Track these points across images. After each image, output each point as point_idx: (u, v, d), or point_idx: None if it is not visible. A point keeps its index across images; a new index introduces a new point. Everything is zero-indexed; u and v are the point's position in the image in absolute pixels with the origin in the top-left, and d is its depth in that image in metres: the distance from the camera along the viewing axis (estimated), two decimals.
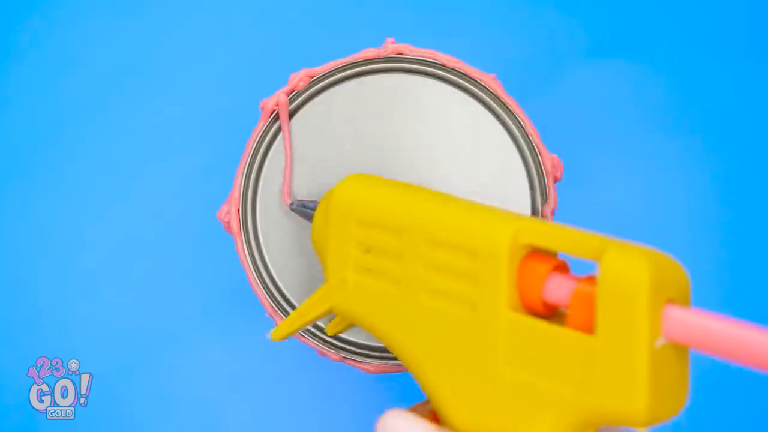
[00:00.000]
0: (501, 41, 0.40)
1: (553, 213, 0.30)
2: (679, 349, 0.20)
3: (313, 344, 0.30)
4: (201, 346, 0.39)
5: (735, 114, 0.40)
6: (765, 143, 0.40)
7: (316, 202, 0.28)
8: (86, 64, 0.41)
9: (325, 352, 0.30)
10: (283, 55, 0.40)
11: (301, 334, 0.30)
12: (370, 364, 0.30)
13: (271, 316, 0.30)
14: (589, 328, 0.20)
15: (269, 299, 0.30)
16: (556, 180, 0.30)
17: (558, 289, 0.20)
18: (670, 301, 0.19)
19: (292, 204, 0.29)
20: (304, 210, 0.28)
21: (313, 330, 0.30)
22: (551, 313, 0.21)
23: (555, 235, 0.20)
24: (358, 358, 0.30)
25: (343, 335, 0.30)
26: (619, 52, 0.41)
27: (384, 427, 0.22)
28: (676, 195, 0.39)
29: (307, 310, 0.26)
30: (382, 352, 0.30)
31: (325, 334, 0.30)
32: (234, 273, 0.37)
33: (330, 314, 0.26)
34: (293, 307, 0.30)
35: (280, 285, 0.30)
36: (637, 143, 0.40)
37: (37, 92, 0.40)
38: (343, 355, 0.30)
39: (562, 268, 0.21)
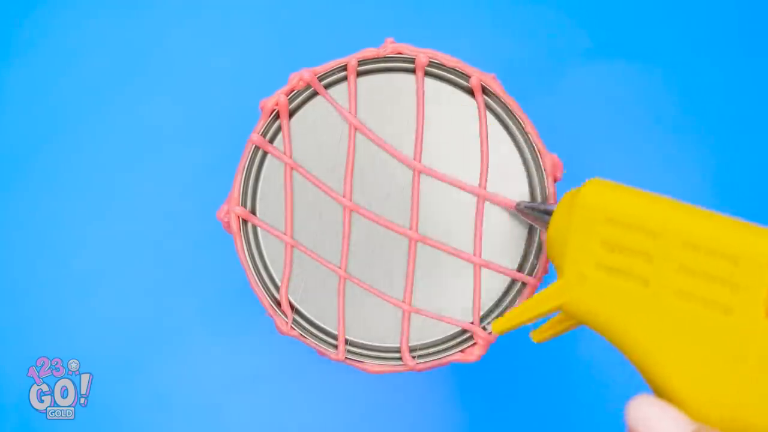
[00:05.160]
0: (501, 41, 0.40)
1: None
2: None
3: (312, 344, 0.30)
4: (201, 346, 0.39)
5: (736, 114, 0.40)
6: (766, 144, 0.40)
7: (552, 204, 0.28)
8: (85, 64, 0.41)
9: (325, 351, 0.29)
10: (283, 55, 0.40)
11: (301, 334, 0.30)
12: (370, 364, 0.29)
13: (271, 316, 0.30)
14: None
15: (269, 299, 0.30)
16: (556, 180, 0.30)
17: None
18: None
19: (518, 205, 0.29)
20: (532, 212, 0.28)
21: (313, 330, 0.30)
22: None
23: None
24: (358, 357, 0.30)
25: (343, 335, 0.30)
26: (620, 52, 0.40)
27: (636, 413, 0.22)
28: (677, 195, 0.39)
29: (535, 305, 0.26)
30: (382, 352, 0.30)
31: (326, 333, 0.30)
32: (234, 273, 0.37)
33: (555, 311, 0.26)
34: (293, 307, 0.30)
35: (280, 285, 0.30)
36: (638, 143, 0.39)
37: (36, 92, 0.40)
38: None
39: None
